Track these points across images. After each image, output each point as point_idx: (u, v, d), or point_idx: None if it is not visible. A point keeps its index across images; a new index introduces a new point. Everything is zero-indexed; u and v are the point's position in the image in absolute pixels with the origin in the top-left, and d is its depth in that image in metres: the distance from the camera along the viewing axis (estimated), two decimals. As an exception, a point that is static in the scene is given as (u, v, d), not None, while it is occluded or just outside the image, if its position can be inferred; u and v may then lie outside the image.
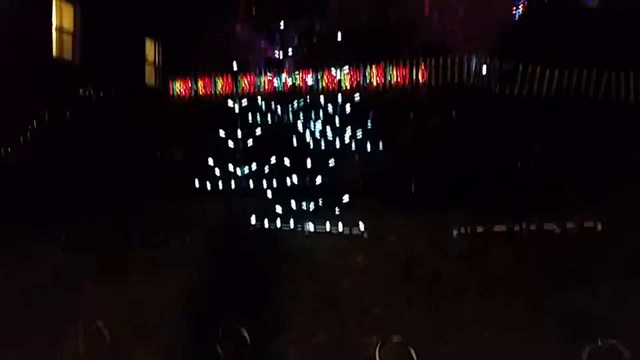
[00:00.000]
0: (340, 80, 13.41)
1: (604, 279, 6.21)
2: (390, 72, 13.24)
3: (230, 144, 9.91)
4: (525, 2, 14.70)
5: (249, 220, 7.81)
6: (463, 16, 13.40)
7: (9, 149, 11.92)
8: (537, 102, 10.69)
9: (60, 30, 15.39)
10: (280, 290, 6.66)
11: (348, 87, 13.29)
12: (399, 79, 13.19)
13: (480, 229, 7.30)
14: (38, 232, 7.95)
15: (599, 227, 7.07)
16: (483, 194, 7.64)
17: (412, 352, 5.14)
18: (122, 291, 6.64)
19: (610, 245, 6.77)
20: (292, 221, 7.72)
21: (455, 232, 7.35)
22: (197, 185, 9.05)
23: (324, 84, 13.52)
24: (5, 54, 12.70)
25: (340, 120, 9.81)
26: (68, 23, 15.71)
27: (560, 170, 7.96)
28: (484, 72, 12.32)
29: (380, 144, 9.43)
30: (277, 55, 16.26)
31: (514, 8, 14.75)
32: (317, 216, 7.77)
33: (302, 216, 7.79)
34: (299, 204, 7.85)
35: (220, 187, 9.05)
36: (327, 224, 7.62)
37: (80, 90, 14.38)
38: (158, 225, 8.05)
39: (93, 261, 7.26)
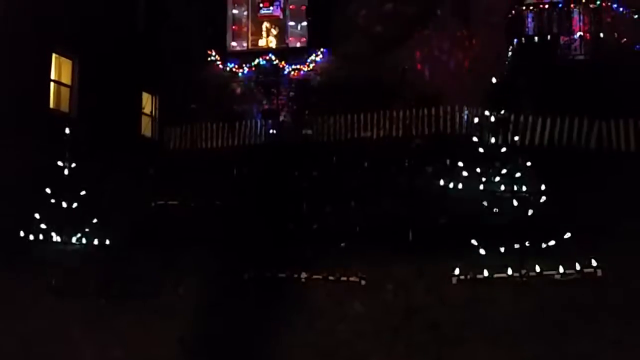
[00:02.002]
0: (335, 131, 13.61)
1: (605, 323, 6.12)
2: (385, 123, 13.45)
3: (226, 192, 9.93)
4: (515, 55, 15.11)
5: (245, 268, 7.69)
6: (454, 68, 13.75)
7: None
8: (533, 151, 10.81)
9: (58, 83, 15.62)
10: (276, 339, 6.48)
11: (344, 137, 13.48)
12: (394, 129, 13.38)
13: (480, 276, 7.21)
14: (29, 280, 7.80)
15: (599, 272, 7.02)
16: (482, 242, 7.60)
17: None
18: (116, 341, 6.46)
19: (611, 290, 6.71)
20: (287, 269, 7.61)
21: (454, 280, 7.26)
22: (191, 234, 8.95)
23: (320, 133, 13.69)
24: (3, 105, 12.82)
25: (337, 167, 9.89)
26: (66, 77, 15.97)
27: (559, 217, 7.96)
28: (476, 122, 12.52)
29: (378, 191, 9.46)
30: (272, 106, 16.50)
31: (505, 60, 15.15)
32: (315, 263, 7.66)
33: (298, 263, 7.68)
34: (295, 251, 7.75)
35: (214, 235, 8.95)
36: (324, 271, 7.51)
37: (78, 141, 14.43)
38: (152, 275, 7.90)
39: (85, 309, 7.08)
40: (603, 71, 13.27)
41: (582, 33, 14.85)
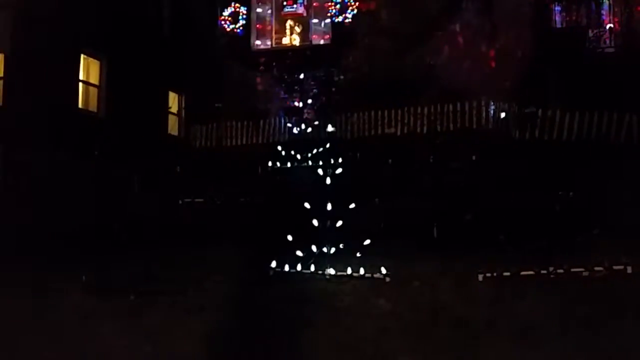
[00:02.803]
0: (359, 127, 13.58)
1: (634, 320, 6.00)
2: (410, 118, 13.37)
3: (251, 189, 10.01)
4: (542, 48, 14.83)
5: (269, 264, 7.74)
6: (480, 62, 13.58)
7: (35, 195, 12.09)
8: (560, 146, 10.64)
9: (86, 83, 15.92)
10: (301, 336, 6.52)
11: (367, 134, 13.44)
12: (418, 125, 13.29)
13: (506, 273, 7.13)
14: (61, 277, 7.98)
15: (629, 270, 6.88)
16: (509, 238, 7.51)
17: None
18: (142, 336, 6.57)
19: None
20: (313, 265, 7.64)
21: (480, 277, 7.19)
22: (218, 231, 9.05)
23: (343, 131, 13.68)
24: (34, 105, 13.11)
25: (361, 164, 9.87)
26: (94, 77, 16.27)
27: (588, 213, 7.82)
28: (502, 116, 12.38)
29: (403, 187, 9.43)
30: (296, 104, 16.54)
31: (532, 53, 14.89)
32: (339, 260, 7.67)
33: (323, 260, 7.70)
34: (320, 248, 7.77)
35: (240, 232, 9.03)
36: (349, 268, 7.51)
37: (105, 141, 14.70)
38: (179, 272, 8.01)
39: (113, 305, 7.23)
40: (633, 64, 12.97)
41: (612, 25, 14.54)
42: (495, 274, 7.13)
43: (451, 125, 13.06)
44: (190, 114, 16.93)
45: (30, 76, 13.40)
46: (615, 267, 6.92)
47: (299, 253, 7.81)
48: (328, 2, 17.64)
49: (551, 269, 7.04)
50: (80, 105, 15.72)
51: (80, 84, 15.75)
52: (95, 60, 16.26)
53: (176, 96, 19.33)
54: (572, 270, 7.00)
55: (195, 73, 18.22)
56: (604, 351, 5.74)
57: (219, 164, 12.32)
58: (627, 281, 6.79)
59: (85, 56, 15.90)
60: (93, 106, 16.23)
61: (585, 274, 6.97)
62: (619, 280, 6.81)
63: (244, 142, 15.06)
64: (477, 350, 6.04)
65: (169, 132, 17.49)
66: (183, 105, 18.11)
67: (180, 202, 10.57)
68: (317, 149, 11.62)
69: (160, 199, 10.81)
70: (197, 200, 10.58)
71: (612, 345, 5.79)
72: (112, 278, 7.95)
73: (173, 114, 19.15)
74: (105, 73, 16.48)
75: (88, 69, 16.15)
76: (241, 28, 18.87)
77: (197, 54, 18.57)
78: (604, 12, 14.81)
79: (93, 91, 16.28)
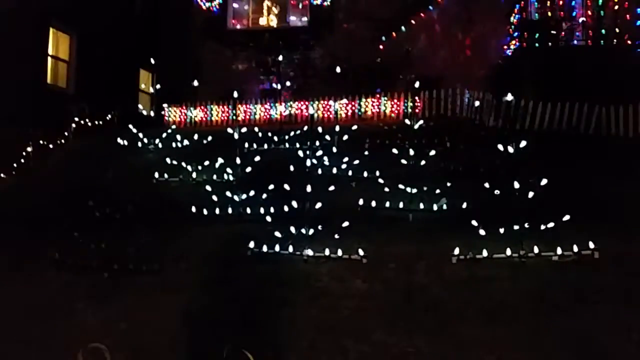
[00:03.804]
0: (337, 111, 13.61)
1: (600, 304, 6.26)
2: (386, 103, 13.45)
3: (229, 170, 9.97)
4: (517, 39, 15.11)
5: (248, 245, 7.76)
6: (455, 51, 13.75)
7: (2, 174, 11.81)
8: (533, 135, 10.89)
9: (56, 58, 15.52)
10: (279, 315, 6.59)
11: (344, 117, 13.49)
12: (394, 110, 13.39)
13: (479, 256, 7.32)
14: (34, 253, 7.85)
15: (596, 255, 7.14)
16: (482, 222, 7.69)
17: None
18: (122, 315, 6.55)
19: (607, 273, 6.83)
20: (291, 246, 7.68)
21: (454, 259, 7.36)
22: (194, 210, 9.01)
23: (320, 114, 13.70)
24: (1, 79, 12.73)
25: (338, 149, 9.92)
26: (64, 53, 15.86)
27: (558, 200, 8.06)
28: (477, 105, 12.58)
29: (378, 172, 9.53)
30: (274, 86, 16.45)
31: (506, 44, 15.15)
32: (316, 241, 7.74)
33: (301, 241, 7.76)
34: (298, 229, 7.82)
35: (218, 212, 9.01)
36: (326, 250, 7.59)
37: (74, 117, 14.41)
38: (156, 251, 7.96)
39: (91, 284, 7.17)
40: (604, 56, 13.32)
41: (584, 18, 14.87)
42: (468, 257, 7.31)
43: (426, 112, 13.22)
44: (163, 93, 16.67)
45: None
46: (583, 252, 7.16)
47: (277, 234, 7.84)
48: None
49: (522, 252, 7.26)
50: (49, 81, 15.35)
51: (50, 59, 15.36)
52: (65, 35, 15.86)
53: (149, 75, 19.00)
54: (543, 254, 7.23)
55: (169, 52, 17.91)
56: (569, 330, 5.99)
57: (194, 144, 12.19)
58: (594, 266, 7.04)
59: (54, 30, 15.48)
60: (62, 82, 15.86)
61: (555, 258, 7.21)
62: (586, 265, 7.06)
63: (220, 123, 14.93)
64: (449, 328, 6.22)
65: (141, 110, 17.19)
66: (156, 84, 17.82)
67: (154, 181, 10.45)
68: (295, 132, 11.62)
69: (133, 176, 10.68)
70: (171, 179, 10.48)
71: (576, 325, 6.05)
72: (88, 255, 7.87)
73: (146, 92, 18.84)
74: (75, 48, 16.10)
75: (57, 44, 15.74)
76: (217, 7, 18.60)
77: (171, 32, 18.25)
78: (576, 5, 15.13)
79: (62, 66, 15.89)
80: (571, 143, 11.01)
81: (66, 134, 13.83)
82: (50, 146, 13.09)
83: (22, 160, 12.26)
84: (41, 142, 12.91)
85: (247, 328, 6.43)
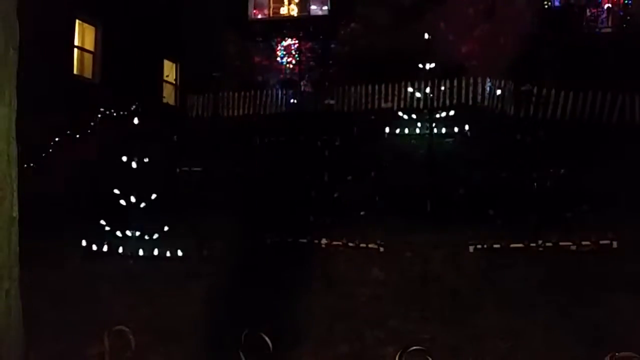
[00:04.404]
0: (356, 101, 13.65)
1: (618, 293, 6.25)
2: (407, 92, 13.43)
3: (249, 159, 10.14)
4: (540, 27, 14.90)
5: (267, 233, 7.92)
6: (477, 39, 13.64)
7: (32, 164, 12.15)
8: (554, 124, 10.81)
9: (81, 49, 15.84)
10: (297, 302, 6.73)
11: (364, 108, 13.52)
12: (414, 100, 13.37)
13: (496, 245, 7.35)
14: (61, 241, 8.13)
15: (615, 244, 7.11)
16: (500, 212, 7.72)
17: (430, 360, 5.16)
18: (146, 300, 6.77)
19: (625, 262, 6.81)
20: (308, 234, 7.82)
21: (471, 248, 7.41)
22: (215, 199, 9.20)
23: (340, 104, 13.75)
24: (28, 70, 13.04)
25: (358, 136, 9.98)
26: (89, 44, 16.18)
27: (577, 189, 8.03)
28: (499, 93, 12.50)
29: (399, 161, 9.59)
30: (294, 76, 16.54)
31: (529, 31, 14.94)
32: (334, 229, 7.85)
33: (318, 229, 7.89)
34: (315, 219, 7.95)
35: (239, 202, 9.18)
36: (344, 238, 7.71)
37: (100, 107, 14.73)
38: (179, 238, 8.18)
39: (117, 271, 7.40)
40: (629, 44, 13.07)
41: (610, 5, 14.58)
42: (485, 246, 7.35)
43: (447, 101, 13.17)
44: (186, 83, 16.90)
45: (26, 41, 13.30)
46: (601, 242, 7.15)
47: (295, 222, 7.98)
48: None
49: (540, 242, 7.27)
50: (75, 72, 15.69)
51: (76, 50, 15.70)
52: (91, 27, 16.17)
53: (172, 65, 19.27)
54: (560, 244, 7.23)
55: (192, 42, 18.13)
56: (584, 318, 6.01)
57: (215, 134, 12.38)
58: (612, 255, 7.02)
59: (80, 22, 15.80)
60: (88, 72, 16.21)
61: (573, 247, 7.20)
62: (604, 255, 7.04)
63: (241, 113, 15.09)
64: (464, 316, 6.29)
65: (165, 101, 17.48)
66: (179, 74, 18.07)
67: (178, 170, 10.68)
68: (315, 121, 11.72)
69: (158, 167, 10.90)
70: (194, 169, 10.68)
71: (593, 314, 6.05)
72: (113, 243, 8.11)
73: (169, 82, 19.11)
74: (101, 39, 16.42)
75: (83, 35, 16.07)
76: (239, -3, 18.70)
77: (194, 23, 18.45)
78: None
79: (88, 57, 16.22)
80: (593, 132, 10.90)
81: (92, 123, 14.15)
82: (77, 136, 13.41)
83: (50, 150, 12.60)
84: (68, 132, 13.24)
85: (267, 314, 6.58)
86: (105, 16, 15.95)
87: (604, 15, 14.62)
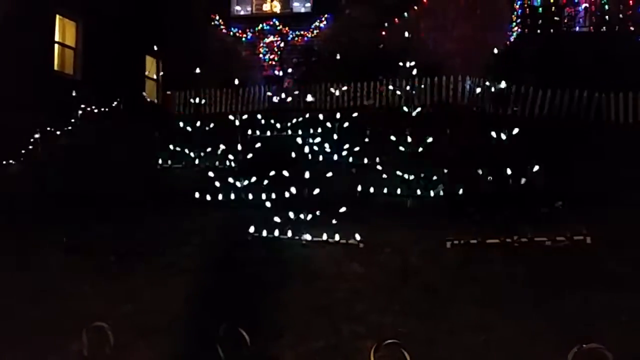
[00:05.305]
0: (337, 98, 13.71)
1: (592, 288, 6.41)
2: (386, 91, 13.53)
3: (230, 156, 10.17)
4: (519, 26, 15.11)
5: (248, 230, 7.97)
6: (457, 37, 13.78)
7: (11, 161, 12.06)
8: (532, 122, 11.00)
9: (62, 45, 15.70)
10: (276, 297, 6.80)
11: (346, 105, 13.60)
12: (396, 98, 13.46)
13: (473, 241, 7.48)
14: (41, 238, 8.10)
15: (588, 240, 7.28)
16: (477, 209, 7.85)
17: (406, 354, 5.27)
18: (125, 295, 6.79)
19: (598, 258, 6.99)
20: (289, 231, 7.89)
21: (449, 244, 7.53)
22: (197, 196, 9.22)
23: (322, 101, 13.81)
24: (8, 66, 12.92)
25: (338, 135, 10.07)
26: (70, 39, 16.04)
27: (553, 186, 8.19)
28: (478, 92, 12.65)
29: (377, 159, 9.69)
30: (276, 73, 16.58)
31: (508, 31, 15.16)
32: (315, 226, 7.93)
33: (299, 226, 7.96)
34: (297, 215, 8.02)
35: (220, 198, 9.22)
36: (324, 234, 7.79)
37: (80, 103, 14.61)
38: (160, 235, 8.19)
39: (98, 267, 7.40)
40: (605, 43, 13.31)
41: (587, 5, 14.83)
42: (462, 242, 7.48)
43: (427, 99, 13.29)
44: (168, 79, 16.82)
45: (4, 36, 13.16)
46: (575, 238, 7.30)
47: (276, 219, 8.04)
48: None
49: (515, 237, 7.41)
50: (55, 68, 15.54)
51: (56, 46, 15.55)
52: (71, 22, 16.02)
53: (154, 61, 19.15)
54: (536, 239, 7.37)
55: (174, 38, 18.03)
56: (557, 312, 6.17)
57: (197, 131, 12.37)
58: (586, 251, 7.19)
59: (60, 17, 15.64)
60: (69, 68, 16.06)
61: (548, 243, 7.35)
62: (578, 250, 7.21)
63: (223, 109, 15.07)
64: (442, 311, 6.41)
65: (147, 97, 17.39)
66: (161, 70, 17.98)
67: (158, 167, 10.67)
68: (297, 119, 11.77)
69: (138, 162, 10.89)
70: (175, 166, 10.69)
71: (565, 308, 6.22)
72: (93, 240, 8.11)
73: (151, 79, 19.00)
74: (82, 35, 16.27)
75: (64, 31, 15.91)
76: (221, -7, 18.64)
77: (175, 19, 18.34)
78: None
79: (69, 53, 16.08)
80: (571, 129, 11.10)
81: (73, 120, 14.04)
82: (57, 132, 13.31)
83: (30, 146, 12.49)
84: (48, 128, 13.13)
85: (246, 309, 6.64)
86: (86, 11, 15.81)
87: (582, 14, 14.88)
